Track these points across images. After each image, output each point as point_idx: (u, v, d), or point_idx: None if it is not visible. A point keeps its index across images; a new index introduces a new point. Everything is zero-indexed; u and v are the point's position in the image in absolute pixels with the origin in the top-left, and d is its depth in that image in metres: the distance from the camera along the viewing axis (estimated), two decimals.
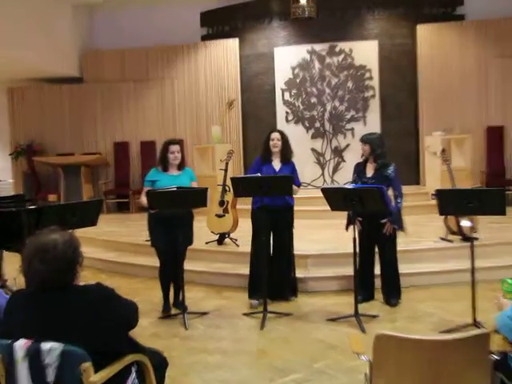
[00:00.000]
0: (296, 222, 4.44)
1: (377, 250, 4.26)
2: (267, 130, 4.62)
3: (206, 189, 4.01)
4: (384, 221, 4.05)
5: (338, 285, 4.67)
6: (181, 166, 4.22)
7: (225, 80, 8.74)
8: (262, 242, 4.04)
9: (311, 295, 4.56)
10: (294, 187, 4.14)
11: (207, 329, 3.88)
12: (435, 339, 1.74)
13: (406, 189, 7.58)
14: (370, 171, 4.20)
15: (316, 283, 4.70)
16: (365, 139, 4.19)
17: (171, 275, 4.17)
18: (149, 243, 4.27)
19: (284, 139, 4.30)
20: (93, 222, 4.02)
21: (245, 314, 4.12)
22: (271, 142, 4.30)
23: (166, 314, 4.15)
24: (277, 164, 4.35)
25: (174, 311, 4.21)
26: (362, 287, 4.13)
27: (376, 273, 4.31)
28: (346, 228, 4.22)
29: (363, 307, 4.07)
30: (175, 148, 4.16)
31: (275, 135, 4.31)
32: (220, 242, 5.62)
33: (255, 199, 4.30)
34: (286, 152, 4.32)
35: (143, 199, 4.00)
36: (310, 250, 5.07)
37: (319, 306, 4.30)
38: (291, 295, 4.43)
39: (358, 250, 4.08)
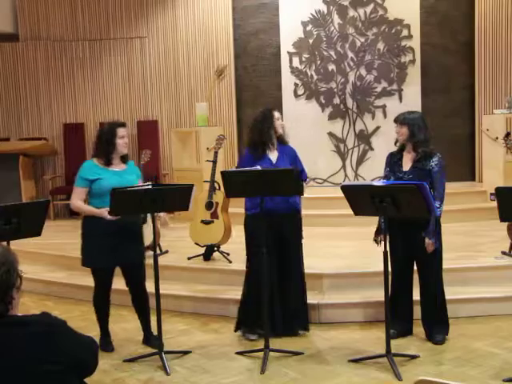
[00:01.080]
0: (306, 231, 4.46)
1: (415, 268, 4.28)
2: (269, 107, 4.64)
3: (192, 186, 4.03)
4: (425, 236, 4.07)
5: (364, 314, 4.69)
6: (125, 157, 4.30)
7: (213, 41, 8.75)
8: (261, 257, 4.06)
9: (327, 328, 4.57)
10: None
11: (190, 373, 3.89)
12: None
13: (456, 186, 7.77)
14: (407, 163, 4.23)
15: (334, 312, 4.72)
16: (401, 120, 4.21)
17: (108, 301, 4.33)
18: None
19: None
20: (35, 231, 4.03)
21: (239, 353, 4.14)
22: (277, 123, 4.37)
23: (105, 350, 4.21)
24: (272, 153, 4.38)
25: (141, 349, 4.22)
26: (395, 318, 4.14)
27: (415, 298, 4.33)
28: (376, 240, 4.23)
29: (398, 344, 4.08)
30: (124, 132, 4.24)
31: (278, 114, 4.43)
32: (207, 256, 5.64)
33: (251, 202, 4.33)
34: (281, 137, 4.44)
35: (79, 204, 4.16)
36: (326, 268, 5.10)
37: (338, 342, 4.31)
38: (301, 328, 4.45)
39: (392, 267, 4.10)
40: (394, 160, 4.29)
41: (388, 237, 3.96)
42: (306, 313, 4.50)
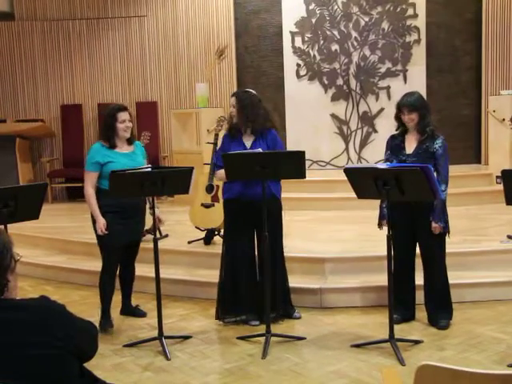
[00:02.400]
0: (308, 215, 4.47)
1: (418, 251, 4.28)
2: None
3: (192, 169, 4.04)
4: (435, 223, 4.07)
5: (367, 299, 4.70)
6: (131, 139, 4.42)
7: (213, 20, 8.69)
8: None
9: (329, 312, 4.59)
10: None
11: (190, 358, 3.91)
12: (502, 374, 1.75)
13: (462, 169, 7.76)
14: (410, 145, 4.20)
15: (336, 296, 4.74)
16: (411, 103, 4.11)
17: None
18: None
19: (242, 104, 4.29)
20: (33, 215, 4.03)
21: (240, 338, 4.16)
22: (231, 110, 4.39)
23: (105, 332, 4.28)
24: (248, 137, 4.36)
25: (138, 332, 4.26)
26: (398, 302, 4.14)
27: (417, 283, 4.34)
28: (379, 225, 4.23)
29: (401, 330, 4.10)
30: (126, 116, 4.33)
31: (231, 101, 4.39)
32: (207, 240, 5.65)
33: (228, 186, 4.36)
34: (253, 120, 4.29)
35: (90, 195, 4.23)
36: (328, 253, 5.10)
37: (340, 327, 4.33)
38: (281, 313, 4.44)
39: (395, 252, 4.10)
40: (395, 143, 4.26)
41: (391, 221, 3.96)
42: (287, 297, 4.47)
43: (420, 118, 4.13)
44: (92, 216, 4.32)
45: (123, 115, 4.31)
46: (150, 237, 5.22)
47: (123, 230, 4.28)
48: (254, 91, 4.50)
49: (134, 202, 4.33)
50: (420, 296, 4.33)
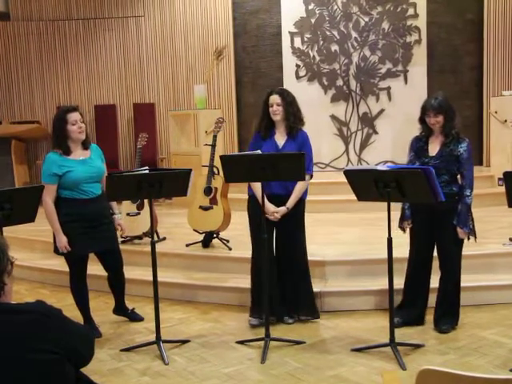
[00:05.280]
0: (308, 217, 4.47)
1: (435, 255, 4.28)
2: (269, 89, 4.62)
3: (190, 171, 4.03)
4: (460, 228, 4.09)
5: (367, 302, 4.71)
6: (86, 143, 4.26)
7: (211, 20, 8.69)
8: (263, 240, 4.09)
9: (330, 316, 4.59)
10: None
11: (188, 362, 3.91)
12: (504, 379, 1.75)
13: None
14: (434, 148, 4.17)
15: (336, 300, 4.74)
16: (438, 106, 4.07)
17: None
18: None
19: (287, 101, 4.32)
20: (29, 218, 4.02)
21: (239, 343, 4.16)
22: (270, 109, 4.33)
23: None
24: (280, 137, 4.38)
25: (136, 337, 4.25)
26: (406, 305, 4.19)
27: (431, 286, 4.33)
28: (401, 227, 4.24)
29: (402, 333, 4.11)
30: (76, 116, 4.13)
31: (273, 98, 4.33)
32: (206, 243, 5.65)
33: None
34: (293, 119, 4.34)
35: (50, 210, 4.11)
36: (328, 255, 5.10)
37: (341, 330, 4.33)
38: (307, 315, 4.48)
39: (413, 254, 4.19)
40: (419, 145, 4.23)
41: (411, 223, 4.12)
42: (312, 300, 4.51)
43: (445, 120, 4.12)
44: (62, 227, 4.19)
45: (73, 116, 4.10)
46: (147, 240, 5.23)
47: (87, 239, 4.16)
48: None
49: (96, 210, 4.17)
50: (431, 299, 4.33)
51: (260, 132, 4.42)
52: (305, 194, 4.41)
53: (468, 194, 4.07)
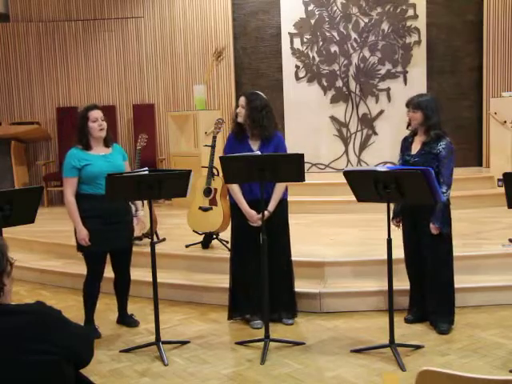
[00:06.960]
0: (307, 218, 4.47)
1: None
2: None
3: (190, 171, 4.04)
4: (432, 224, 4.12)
5: (367, 303, 4.71)
6: (108, 141, 4.30)
7: (211, 21, 8.70)
8: (263, 241, 4.09)
9: (329, 317, 4.59)
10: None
11: (188, 363, 3.91)
12: (504, 380, 1.75)
13: (463, 172, 7.75)
14: (416, 146, 4.27)
15: (336, 301, 4.73)
16: (415, 104, 4.21)
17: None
18: None
19: (251, 106, 4.24)
20: (28, 219, 4.03)
21: (239, 343, 4.16)
22: (237, 110, 4.33)
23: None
24: (255, 143, 4.35)
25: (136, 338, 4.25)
26: (412, 303, 4.30)
27: None
28: (394, 225, 4.27)
29: (402, 335, 4.12)
30: (98, 114, 4.21)
31: (240, 100, 4.33)
32: (205, 244, 5.65)
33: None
34: (261, 125, 4.25)
35: (71, 203, 4.13)
36: (328, 256, 5.10)
37: (340, 332, 4.33)
38: (288, 317, 4.48)
39: (405, 254, 4.23)
40: (406, 144, 4.34)
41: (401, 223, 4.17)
42: (292, 300, 4.52)
43: (424, 118, 4.16)
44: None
45: (95, 113, 4.18)
46: (146, 240, 5.23)
47: (106, 236, 4.18)
48: (262, 94, 4.42)
49: (116, 207, 4.20)
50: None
51: (234, 133, 4.40)
52: (285, 193, 4.40)
53: (444, 190, 4.07)
